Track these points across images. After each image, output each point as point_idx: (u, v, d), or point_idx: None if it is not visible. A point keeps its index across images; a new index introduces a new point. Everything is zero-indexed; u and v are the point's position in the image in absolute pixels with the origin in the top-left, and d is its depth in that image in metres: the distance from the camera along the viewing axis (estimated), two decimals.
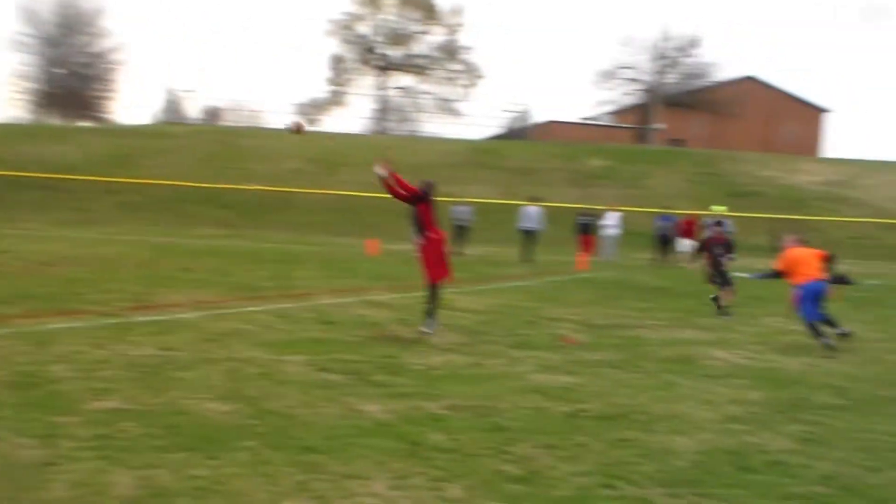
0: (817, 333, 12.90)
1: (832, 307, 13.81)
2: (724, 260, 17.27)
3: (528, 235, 29.89)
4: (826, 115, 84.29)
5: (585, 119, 79.46)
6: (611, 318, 15.46)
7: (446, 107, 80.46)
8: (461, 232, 30.80)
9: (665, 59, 64.65)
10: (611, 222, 32.36)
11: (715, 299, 17.04)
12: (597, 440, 7.43)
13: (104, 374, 8.76)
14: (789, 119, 79.97)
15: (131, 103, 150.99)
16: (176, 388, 8.39)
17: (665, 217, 31.54)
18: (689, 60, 71.35)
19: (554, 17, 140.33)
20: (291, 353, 10.37)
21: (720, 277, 17.12)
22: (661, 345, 12.78)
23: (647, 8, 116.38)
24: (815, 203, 47.53)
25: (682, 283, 23.28)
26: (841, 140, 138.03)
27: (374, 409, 8.05)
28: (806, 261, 13.37)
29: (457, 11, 79.07)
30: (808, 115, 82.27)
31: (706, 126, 74.84)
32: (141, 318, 12.29)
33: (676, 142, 70.86)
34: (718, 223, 18.81)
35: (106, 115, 76.46)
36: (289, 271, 20.36)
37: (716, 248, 17.42)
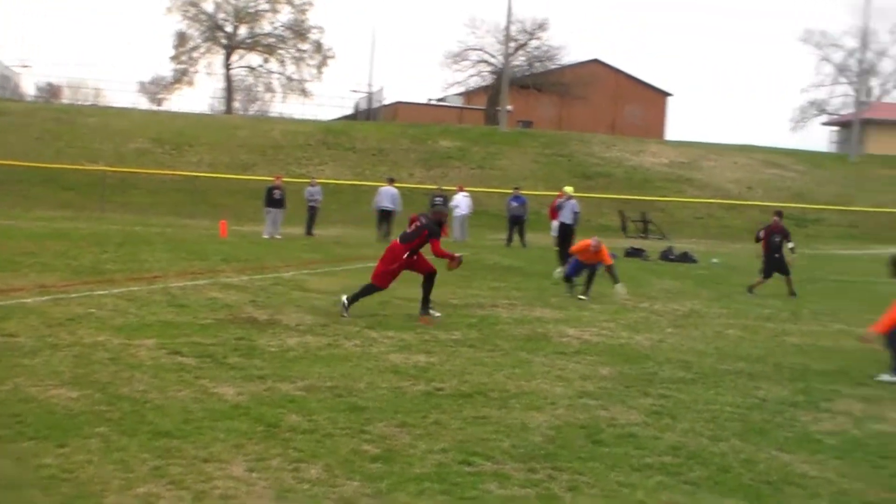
0: (572, 286, 16.60)
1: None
2: None
3: (384, 216, 29.90)
4: (668, 98, 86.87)
5: (434, 100, 79.66)
6: (465, 297, 15.62)
7: (296, 87, 79.28)
8: (312, 213, 30.65)
9: (512, 41, 65.12)
10: (461, 203, 32.63)
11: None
12: (454, 418, 7.50)
13: None
14: (633, 102, 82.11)
15: None
16: (19, 375, 8.07)
17: (517, 198, 31.92)
18: (536, 43, 72.08)
19: None
20: (142, 337, 10.12)
21: None
22: (515, 323, 12.97)
23: None
24: (660, 184, 48.97)
25: (533, 263, 23.66)
26: (682, 124, 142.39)
27: (228, 391, 7.94)
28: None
29: None
30: (652, 98, 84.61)
31: (554, 108, 76.06)
32: None
33: (525, 123, 71.79)
34: None
35: None
36: (136, 254, 19.82)
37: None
